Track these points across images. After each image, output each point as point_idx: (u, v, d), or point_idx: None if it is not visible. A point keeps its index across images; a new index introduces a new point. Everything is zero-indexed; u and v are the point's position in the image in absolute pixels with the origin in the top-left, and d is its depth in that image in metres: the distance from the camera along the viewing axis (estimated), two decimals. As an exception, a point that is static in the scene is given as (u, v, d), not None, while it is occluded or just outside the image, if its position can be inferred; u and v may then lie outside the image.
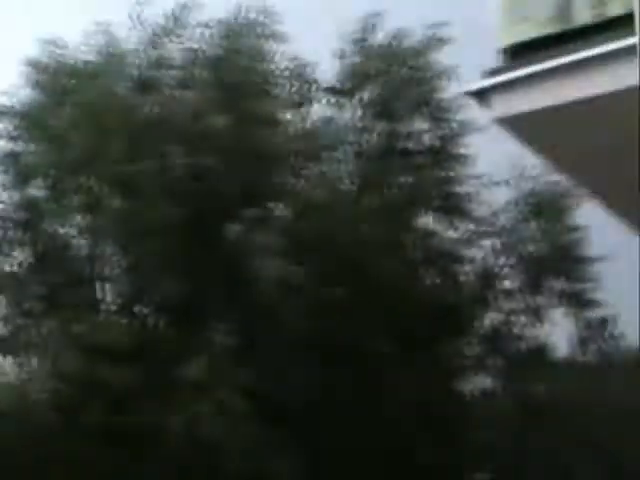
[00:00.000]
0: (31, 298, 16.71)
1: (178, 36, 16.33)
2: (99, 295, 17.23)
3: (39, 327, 16.69)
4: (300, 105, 17.97)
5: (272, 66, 17.25)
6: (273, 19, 16.69)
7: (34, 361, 16.57)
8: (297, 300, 16.03)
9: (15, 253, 17.05)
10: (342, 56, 18.37)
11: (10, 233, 17.05)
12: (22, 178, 17.05)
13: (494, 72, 6.48)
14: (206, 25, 16.37)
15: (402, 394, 17.13)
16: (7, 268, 16.93)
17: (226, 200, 15.84)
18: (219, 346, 14.48)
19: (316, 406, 16.02)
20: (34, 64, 16.88)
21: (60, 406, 15.41)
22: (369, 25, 18.10)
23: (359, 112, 18.58)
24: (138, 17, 16.04)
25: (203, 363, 14.30)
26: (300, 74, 17.68)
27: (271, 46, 16.98)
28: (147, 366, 15.47)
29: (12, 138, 17.09)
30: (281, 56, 17.28)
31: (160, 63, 16.37)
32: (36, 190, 17.26)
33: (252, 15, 16.61)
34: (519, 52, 6.37)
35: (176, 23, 16.26)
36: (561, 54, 6.21)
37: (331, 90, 18.44)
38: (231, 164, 15.76)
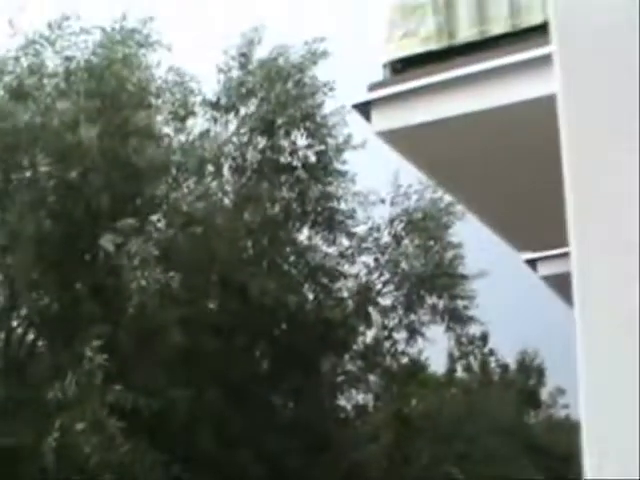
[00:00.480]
0: None
1: (55, 44, 15.95)
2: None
3: None
4: (181, 117, 17.75)
5: (151, 77, 16.96)
6: (155, 29, 16.47)
7: None
8: (172, 312, 15.82)
9: None
10: (224, 71, 18.27)
11: None
12: None
13: (375, 86, 6.46)
14: (86, 32, 16.03)
15: (275, 412, 17.09)
16: None
17: (100, 212, 15.51)
18: (90, 362, 14.10)
19: (189, 423, 15.82)
20: None
21: None
22: (251, 40, 18.02)
23: (240, 127, 18.48)
24: (13, 24, 15.63)
25: (73, 380, 13.95)
26: (181, 86, 17.46)
27: (151, 56, 16.74)
28: (18, 383, 15.09)
29: None
30: (162, 67, 17.04)
31: (37, 71, 15.97)
32: None
33: (133, 24, 16.35)
34: (403, 67, 6.37)
35: (54, 30, 15.89)
36: (442, 70, 6.22)
37: (212, 104, 18.30)
38: (105, 175, 15.47)
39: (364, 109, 6.48)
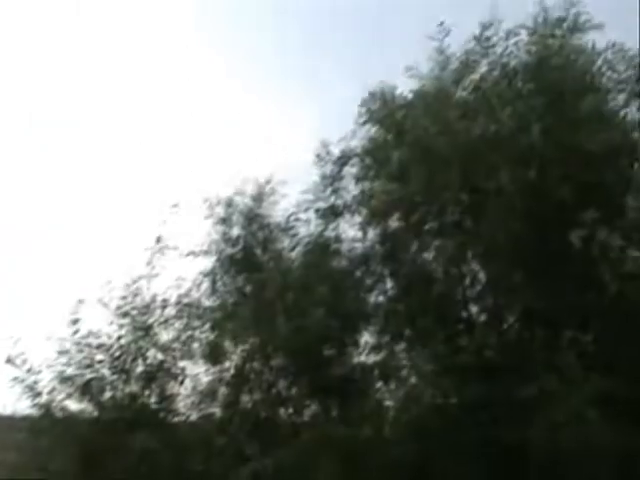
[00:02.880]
0: (399, 325, 17.54)
1: (486, 56, 16.59)
2: (463, 314, 17.68)
3: (410, 352, 17.51)
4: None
5: (592, 58, 16.76)
6: (580, 11, 16.43)
7: (408, 384, 17.38)
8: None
9: (380, 285, 18.09)
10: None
11: (373, 267, 18.07)
12: (378, 215, 17.96)
13: None
14: (514, 34, 16.48)
15: None
16: (373, 299, 17.95)
17: (564, 205, 15.72)
18: (572, 354, 14.43)
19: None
20: (371, 100, 17.88)
21: (435, 424, 16.09)
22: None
23: None
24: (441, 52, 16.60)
25: (557, 374, 14.36)
26: (626, 59, 16.98)
27: (586, 38, 16.65)
28: (510, 380, 15.72)
29: (359, 179, 18.14)
30: (601, 46, 16.77)
31: (478, 87, 16.69)
32: (393, 223, 18.07)
33: (556, 13, 16.50)
34: None
35: (481, 43, 16.56)
36: None
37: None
38: (562, 168, 15.65)
39: None
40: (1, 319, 17.62)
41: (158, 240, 17.16)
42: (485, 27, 16.55)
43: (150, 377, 16.69)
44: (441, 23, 16.65)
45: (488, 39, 16.56)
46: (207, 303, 17.96)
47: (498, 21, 16.52)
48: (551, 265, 16.08)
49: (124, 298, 16.97)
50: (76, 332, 16.39)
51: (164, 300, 17.13)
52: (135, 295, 17.04)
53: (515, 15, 16.42)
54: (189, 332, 17.39)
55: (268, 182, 18.37)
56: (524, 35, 16.62)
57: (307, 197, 18.37)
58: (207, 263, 18.26)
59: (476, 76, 16.72)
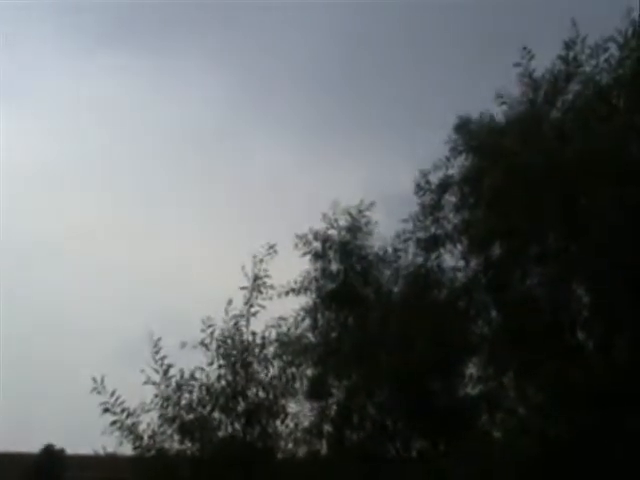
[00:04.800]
0: (505, 355, 17.05)
1: (575, 74, 16.15)
2: (571, 341, 17.09)
3: (517, 382, 17.01)
4: None
5: None
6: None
7: (517, 415, 16.89)
8: None
9: (484, 315, 17.67)
10: None
11: (476, 296, 17.67)
12: (479, 243, 17.59)
13: None
14: (599, 49, 16.04)
15: None
16: (477, 330, 17.53)
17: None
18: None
19: None
20: (463, 128, 17.62)
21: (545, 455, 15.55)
22: None
23: None
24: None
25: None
26: None
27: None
28: (621, 408, 15.10)
29: (459, 208, 17.84)
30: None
31: (571, 106, 16.25)
32: (495, 251, 17.65)
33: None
34: None
35: (568, 62, 16.17)
36: None
37: None
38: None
39: None
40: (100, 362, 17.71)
41: (255, 279, 17.00)
42: (569, 46, 16.20)
43: (251, 415, 16.54)
44: (524, 48, 16.37)
45: (575, 58, 16.15)
46: (308, 340, 17.85)
47: (581, 38, 16.16)
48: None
49: (223, 338, 16.88)
50: (167, 372, 16.29)
51: (263, 338, 16.97)
52: (234, 335, 16.93)
53: (597, 31, 16.04)
54: (291, 369, 17.22)
55: (361, 212, 18.28)
56: (614, 50, 16.14)
57: (407, 227, 18.25)
58: (307, 300, 18.24)
59: (568, 96, 16.30)
